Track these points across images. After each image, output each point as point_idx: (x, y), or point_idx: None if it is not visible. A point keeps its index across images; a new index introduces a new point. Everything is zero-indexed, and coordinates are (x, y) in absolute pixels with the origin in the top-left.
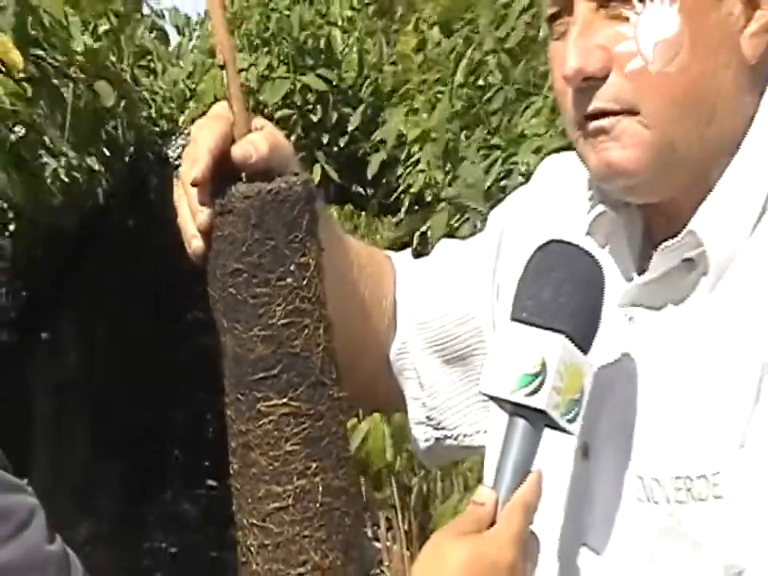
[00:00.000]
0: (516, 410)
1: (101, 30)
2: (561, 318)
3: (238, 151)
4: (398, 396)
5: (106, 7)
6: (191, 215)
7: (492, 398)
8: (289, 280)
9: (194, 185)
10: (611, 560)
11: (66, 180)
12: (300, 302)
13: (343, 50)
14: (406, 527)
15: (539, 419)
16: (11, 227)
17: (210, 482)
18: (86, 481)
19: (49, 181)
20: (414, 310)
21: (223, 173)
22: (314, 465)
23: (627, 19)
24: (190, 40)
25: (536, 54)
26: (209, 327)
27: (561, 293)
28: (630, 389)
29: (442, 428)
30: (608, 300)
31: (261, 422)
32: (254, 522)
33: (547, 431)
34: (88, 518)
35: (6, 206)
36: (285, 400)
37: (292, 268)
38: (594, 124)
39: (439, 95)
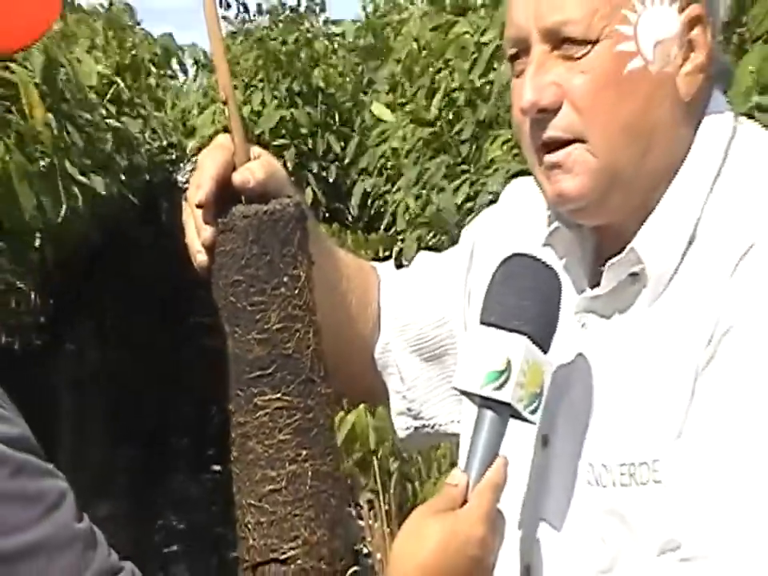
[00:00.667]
0: (484, 402)
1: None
2: (523, 322)
3: (237, 177)
4: (382, 390)
5: (127, 53)
6: (197, 233)
7: (464, 393)
8: (282, 290)
9: (198, 207)
10: (566, 538)
11: (86, 201)
12: (292, 309)
13: (333, 88)
14: (386, 507)
15: (505, 411)
16: (37, 243)
17: (215, 467)
18: (104, 466)
19: (72, 202)
20: (395, 314)
21: (225, 196)
22: (304, 452)
23: (578, 59)
24: (196, 77)
25: (501, 93)
26: (212, 330)
27: (523, 300)
28: (583, 387)
29: (420, 418)
30: (564, 308)
31: (257, 415)
32: (252, 502)
33: (512, 421)
34: (107, 499)
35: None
36: (278, 395)
37: (285, 279)
38: (548, 158)
39: (412, 126)
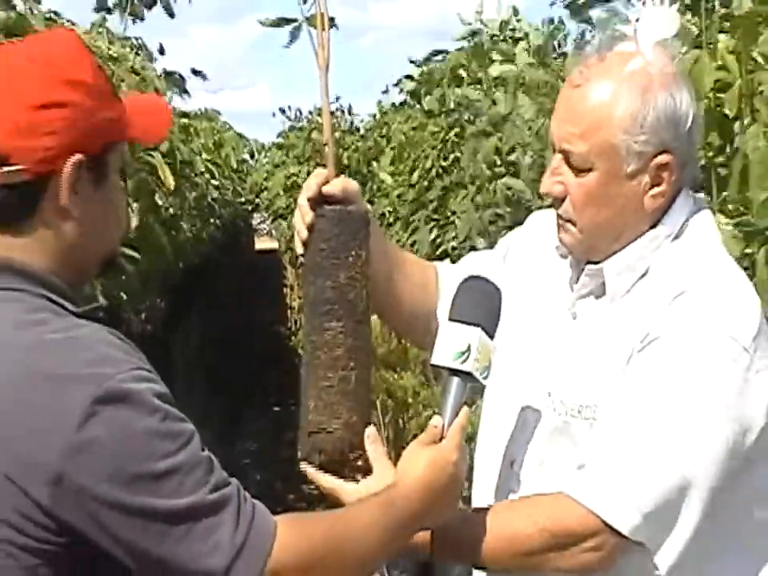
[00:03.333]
0: (453, 372)
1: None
2: (478, 319)
3: (328, 188)
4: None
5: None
6: (302, 219)
7: (439, 367)
8: (350, 259)
9: (308, 200)
10: (532, 441)
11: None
12: (354, 273)
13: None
14: (386, 434)
15: (466, 377)
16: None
17: (275, 408)
18: (205, 412)
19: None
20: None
21: (320, 200)
22: (351, 364)
23: (579, 172)
24: (265, 157)
25: (458, 170)
26: (273, 324)
27: (478, 305)
28: (568, 354)
29: None
30: (563, 302)
31: (324, 335)
32: (313, 392)
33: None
34: (205, 432)
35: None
36: (339, 324)
37: (352, 253)
38: (560, 221)
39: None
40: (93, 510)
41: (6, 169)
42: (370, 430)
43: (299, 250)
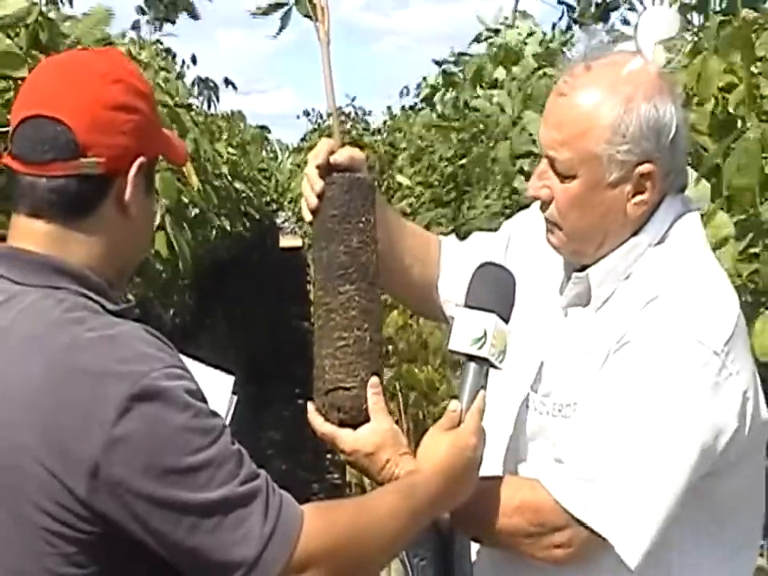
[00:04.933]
0: (470, 358)
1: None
2: (493, 305)
3: (335, 157)
4: (438, 312)
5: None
6: (311, 186)
7: (456, 352)
8: (360, 225)
9: (317, 168)
10: (501, 456)
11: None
12: (365, 237)
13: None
14: (405, 426)
15: (483, 363)
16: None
17: (298, 401)
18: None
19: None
20: (453, 270)
21: (327, 168)
22: (365, 324)
23: (564, 178)
24: (288, 158)
25: (471, 172)
26: (298, 323)
27: (493, 291)
28: (557, 350)
29: None
30: (556, 300)
31: (339, 297)
32: (329, 351)
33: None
34: (231, 423)
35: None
36: (353, 287)
37: (362, 218)
38: (548, 224)
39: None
40: (127, 502)
41: (85, 160)
42: (374, 380)
43: (308, 217)
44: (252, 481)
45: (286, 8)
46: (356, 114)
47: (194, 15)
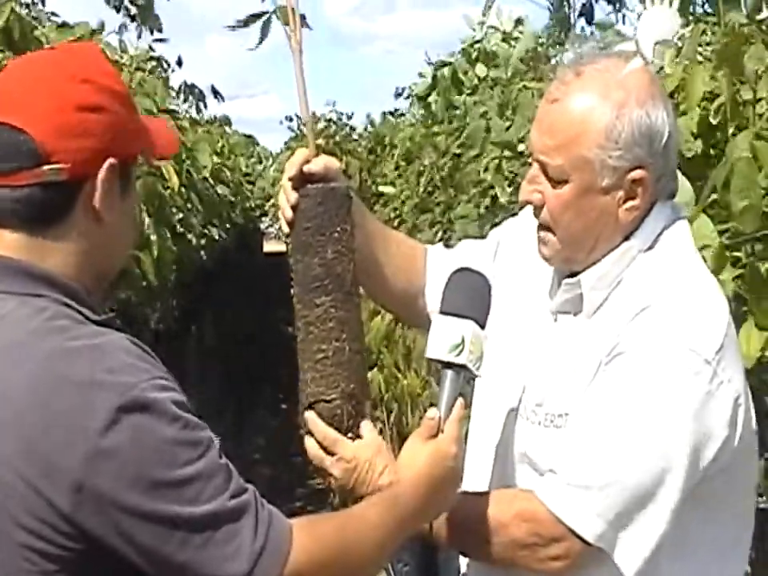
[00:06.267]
0: (447, 365)
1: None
2: (471, 312)
3: (309, 167)
4: (423, 317)
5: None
6: (286, 199)
7: (434, 360)
8: (335, 235)
9: (289, 180)
10: (499, 459)
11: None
12: (340, 247)
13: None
14: (390, 432)
15: (461, 370)
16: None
17: (283, 406)
18: (218, 406)
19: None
20: (440, 277)
21: (302, 180)
22: (343, 335)
23: (556, 183)
24: (272, 165)
25: (460, 177)
26: (283, 327)
27: (468, 297)
28: (547, 357)
29: None
30: (546, 308)
31: (315, 310)
32: (310, 365)
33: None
34: (217, 427)
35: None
36: (330, 298)
37: (338, 228)
38: (540, 233)
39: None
40: (114, 517)
41: (48, 167)
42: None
43: (285, 229)
44: (241, 495)
45: (264, 17)
46: (338, 118)
47: (158, 29)
